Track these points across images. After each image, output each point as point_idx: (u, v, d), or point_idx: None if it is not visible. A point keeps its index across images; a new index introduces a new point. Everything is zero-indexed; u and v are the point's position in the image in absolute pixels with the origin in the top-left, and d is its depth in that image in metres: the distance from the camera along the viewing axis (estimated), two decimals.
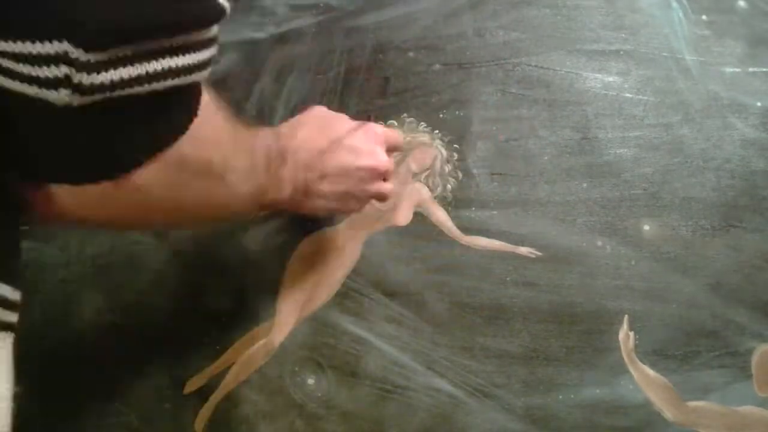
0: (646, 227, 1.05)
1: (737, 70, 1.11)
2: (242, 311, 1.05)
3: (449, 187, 1.09)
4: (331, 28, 1.17)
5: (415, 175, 1.10)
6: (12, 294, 0.56)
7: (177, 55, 0.43)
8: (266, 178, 0.67)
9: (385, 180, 0.85)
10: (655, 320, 1.01)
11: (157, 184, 0.48)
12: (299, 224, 1.07)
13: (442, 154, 1.10)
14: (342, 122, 0.80)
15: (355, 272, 1.06)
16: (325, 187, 0.75)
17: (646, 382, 0.99)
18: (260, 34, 1.16)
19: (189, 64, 0.44)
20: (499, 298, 1.03)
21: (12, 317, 0.57)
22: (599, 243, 1.04)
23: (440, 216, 1.07)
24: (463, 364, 1.01)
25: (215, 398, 1.02)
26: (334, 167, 0.75)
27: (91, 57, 0.39)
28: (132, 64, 0.40)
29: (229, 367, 1.03)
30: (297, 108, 1.12)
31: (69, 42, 0.38)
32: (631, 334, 1.01)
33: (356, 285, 1.05)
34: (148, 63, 0.41)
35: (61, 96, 0.39)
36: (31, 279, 1.06)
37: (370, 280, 1.05)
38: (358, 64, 1.15)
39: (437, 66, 1.14)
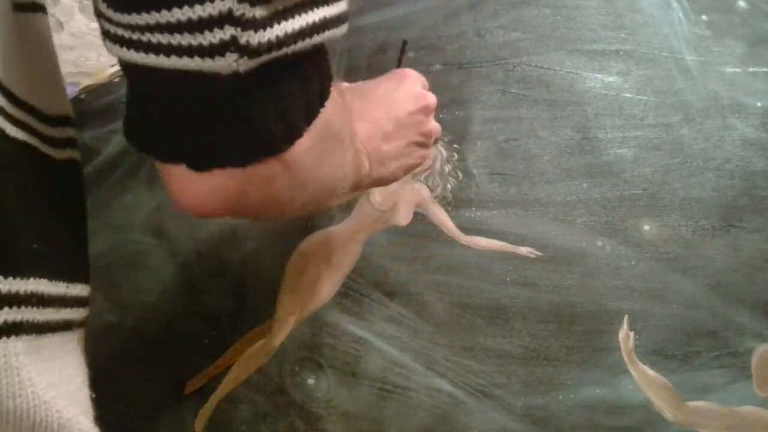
0: (646, 227, 1.05)
1: (737, 70, 1.11)
2: (242, 311, 1.05)
3: (449, 187, 1.09)
4: None
5: (415, 175, 1.10)
6: (82, 291, 0.57)
7: (328, 3, 0.40)
8: (357, 151, 0.64)
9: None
10: (655, 320, 1.01)
11: (311, 152, 0.45)
12: (299, 224, 1.07)
13: (442, 154, 1.10)
14: (371, 84, 0.78)
15: (355, 272, 1.06)
16: (390, 147, 0.72)
17: (646, 382, 0.99)
18: None
19: (338, 14, 0.41)
20: (499, 298, 1.03)
21: (84, 313, 0.57)
22: (599, 243, 1.05)
23: (440, 216, 1.07)
24: (463, 364, 1.01)
25: (215, 398, 1.02)
26: (391, 123, 0.72)
27: (257, 11, 0.35)
28: (294, 16, 0.37)
29: (229, 367, 1.03)
30: None
31: None
32: (631, 334, 1.01)
33: (356, 285, 1.05)
34: (307, 13, 0.38)
35: (228, 62, 0.35)
36: None
37: (370, 280, 1.05)
38: (358, 64, 1.15)
39: (437, 66, 1.14)
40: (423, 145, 0.78)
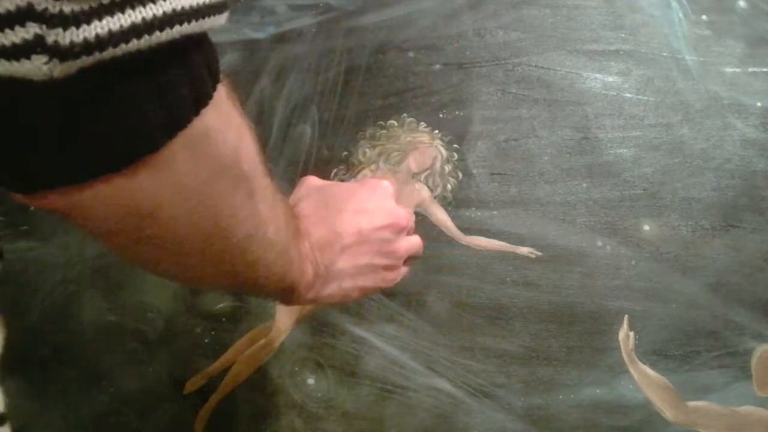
0: (646, 227, 1.05)
1: (737, 70, 1.11)
2: (242, 311, 1.05)
3: (449, 187, 1.09)
4: (331, 28, 1.17)
5: (415, 175, 1.10)
6: None
7: None
8: (290, 247, 0.56)
9: (409, 234, 0.72)
10: (655, 320, 1.01)
11: (179, 159, 0.38)
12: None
13: (442, 154, 1.10)
14: (340, 188, 0.71)
15: None
16: (347, 263, 0.64)
17: (646, 382, 0.99)
18: (260, 34, 1.16)
19: (197, 4, 0.34)
20: (499, 298, 1.03)
21: None
22: (599, 243, 1.05)
23: (440, 216, 1.07)
24: (464, 364, 1.01)
25: (215, 398, 1.02)
26: (352, 237, 0.64)
27: (65, 5, 0.29)
28: (122, 10, 0.31)
29: (229, 367, 1.03)
30: (296, 109, 1.12)
31: None
32: (631, 334, 1.01)
33: None
34: (143, 6, 0.31)
35: (36, 65, 0.29)
36: (31, 279, 1.06)
37: None
38: (358, 64, 1.15)
39: (437, 66, 1.14)
40: (389, 268, 0.68)
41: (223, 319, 1.05)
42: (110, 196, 0.37)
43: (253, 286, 0.54)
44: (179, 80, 0.36)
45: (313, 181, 0.69)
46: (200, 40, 0.37)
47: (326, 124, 1.11)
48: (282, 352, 1.03)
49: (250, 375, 1.03)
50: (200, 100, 0.38)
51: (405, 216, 0.69)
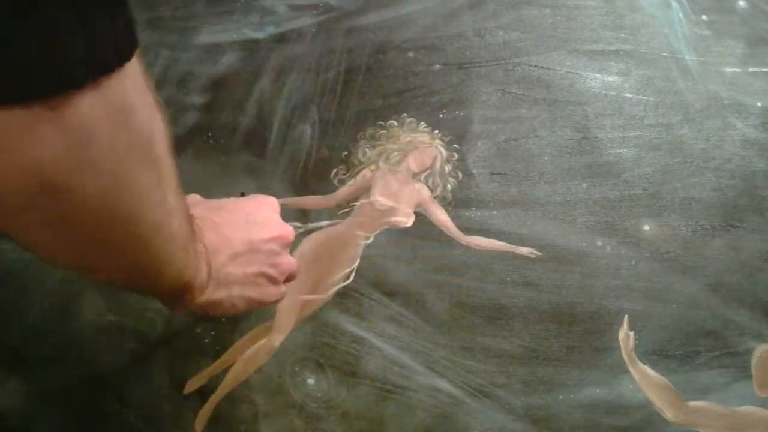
0: (646, 227, 1.05)
1: (737, 70, 1.11)
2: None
3: (449, 187, 1.09)
4: (331, 28, 1.17)
5: (415, 175, 1.10)
6: None
7: None
8: (189, 244, 0.56)
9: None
10: (655, 320, 1.01)
11: (98, 125, 0.37)
12: (299, 224, 1.07)
13: (442, 154, 1.10)
14: (230, 201, 0.71)
15: (356, 272, 1.06)
16: (237, 270, 0.65)
17: (646, 382, 1.00)
18: (260, 34, 1.16)
19: None
20: (499, 298, 1.03)
21: None
22: (599, 243, 1.05)
23: (440, 216, 1.07)
24: (464, 364, 1.01)
25: (215, 398, 1.02)
26: (243, 244, 0.65)
27: None
28: None
29: (229, 367, 1.03)
30: (296, 109, 1.12)
31: None
32: (631, 334, 1.01)
33: (356, 285, 1.05)
34: None
35: None
36: (31, 279, 1.06)
37: (370, 280, 1.05)
38: (358, 64, 1.15)
39: (437, 66, 1.14)
40: (273, 281, 0.70)
41: (223, 319, 1.05)
42: (24, 135, 0.35)
43: (149, 281, 0.53)
44: (103, 23, 0.36)
45: (196, 197, 0.70)
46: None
47: (326, 124, 1.11)
48: (282, 352, 1.03)
49: (250, 375, 1.03)
50: (122, 52, 0.38)
51: (291, 231, 0.71)
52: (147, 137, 0.43)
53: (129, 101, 0.39)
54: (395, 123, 1.12)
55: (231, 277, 0.64)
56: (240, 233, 0.65)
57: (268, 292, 0.69)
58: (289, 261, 0.70)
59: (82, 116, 0.36)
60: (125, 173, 0.41)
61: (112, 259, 0.47)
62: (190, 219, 0.55)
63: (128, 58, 0.38)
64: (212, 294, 0.62)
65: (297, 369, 1.03)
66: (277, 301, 0.71)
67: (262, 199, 0.71)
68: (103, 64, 0.36)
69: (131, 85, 0.39)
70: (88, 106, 0.36)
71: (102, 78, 0.36)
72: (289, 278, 0.73)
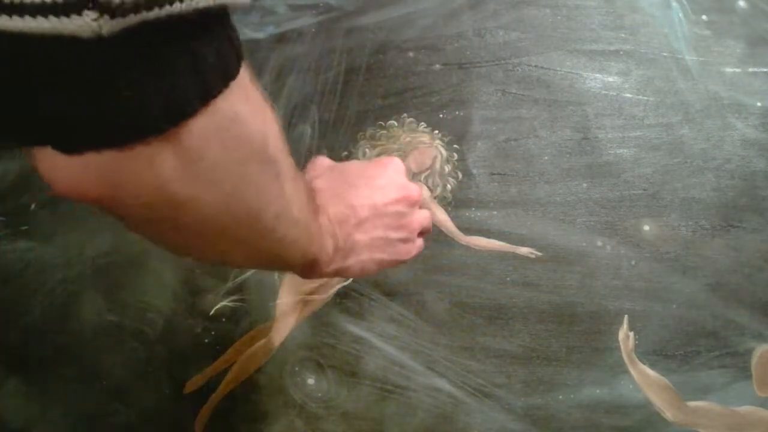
0: (646, 227, 1.05)
1: (737, 70, 1.11)
2: (242, 311, 1.05)
3: (449, 187, 1.09)
4: (331, 28, 1.17)
5: (415, 175, 1.10)
6: None
7: None
8: (311, 222, 0.58)
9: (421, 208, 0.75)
10: (655, 320, 1.01)
11: (210, 142, 0.39)
12: None
13: (442, 154, 1.10)
14: (351, 166, 0.73)
15: None
16: (364, 236, 0.66)
17: (646, 382, 1.00)
18: (260, 34, 1.16)
19: None
20: (499, 298, 1.03)
21: None
22: (599, 243, 1.05)
23: (440, 216, 1.07)
24: (463, 364, 1.01)
25: (215, 398, 1.02)
26: (367, 210, 0.66)
27: None
28: None
29: (229, 367, 1.03)
30: (296, 109, 1.12)
31: None
32: (631, 334, 1.01)
33: (356, 285, 1.05)
34: None
35: (86, 21, 0.30)
36: (31, 279, 1.06)
37: (370, 280, 1.05)
38: (358, 64, 1.15)
39: (437, 66, 1.14)
40: (405, 240, 0.70)
41: (223, 319, 1.05)
42: (147, 167, 0.38)
43: (276, 262, 0.57)
44: (208, 50, 0.38)
45: (324, 160, 0.71)
46: (223, 15, 0.39)
47: (326, 124, 1.11)
48: (282, 352, 1.03)
49: (250, 375, 1.03)
50: (227, 72, 0.40)
51: (416, 190, 0.71)
52: (260, 141, 0.45)
53: (238, 113, 0.41)
54: (395, 123, 1.12)
55: (358, 244, 0.65)
56: (363, 199, 0.66)
57: (400, 251, 0.70)
58: (417, 219, 0.71)
59: (195, 139, 0.38)
60: (242, 178, 0.44)
61: (239, 251, 0.51)
62: (311, 197, 0.58)
63: (234, 77, 0.40)
64: (341, 263, 0.64)
65: (297, 369, 1.03)
66: (415, 255, 0.71)
67: (385, 162, 0.72)
68: (211, 89, 0.38)
69: (238, 97, 0.41)
70: (200, 129, 0.38)
71: (211, 100, 0.38)
72: (424, 232, 0.73)
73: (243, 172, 0.44)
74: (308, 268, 0.61)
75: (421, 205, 0.74)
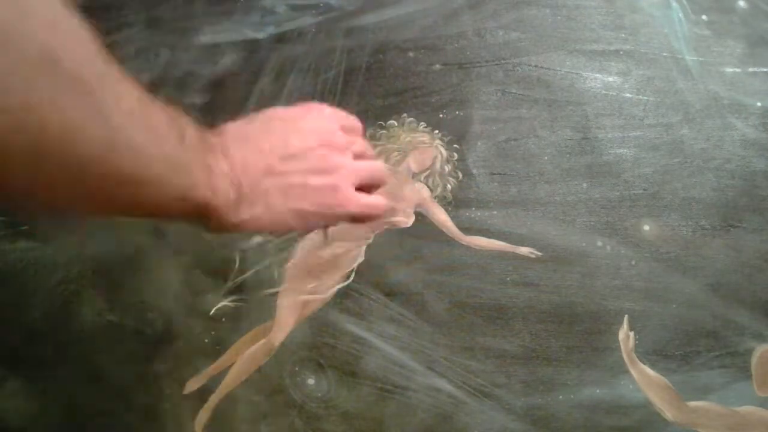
0: (646, 227, 1.05)
1: (737, 70, 1.11)
2: (242, 311, 1.05)
3: (449, 187, 1.09)
4: (331, 28, 1.17)
5: (415, 175, 1.10)
6: None
7: None
8: (192, 162, 0.52)
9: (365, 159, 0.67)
10: (655, 320, 1.01)
11: None
12: None
13: (442, 154, 1.10)
14: (275, 111, 0.65)
15: (355, 272, 1.06)
16: (276, 182, 0.60)
17: (646, 382, 0.99)
18: (260, 34, 1.16)
19: None
20: (499, 298, 1.03)
21: None
22: (599, 243, 1.04)
23: (440, 216, 1.07)
24: (463, 364, 1.01)
25: (215, 398, 1.02)
26: (278, 154, 0.60)
27: None
28: None
29: (229, 367, 1.03)
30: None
31: None
32: (631, 334, 1.01)
33: (356, 285, 1.05)
34: None
35: None
36: (31, 279, 1.06)
37: (370, 280, 1.05)
38: (358, 64, 1.15)
39: (437, 66, 1.14)
40: (333, 188, 0.62)
41: (223, 319, 1.05)
42: None
43: (145, 206, 0.50)
44: None
45: (273, 110, 0.64)
46: None
47: None
48: (282, 352, 1.03)
49: (250, 375, 1.03)
50: None
51: (343, 138, 0.64)
52: (37, 49, 0.39)
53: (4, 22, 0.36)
54: (395, 123, 1.12)
55: (269, 191, 0.59)
56: (275, 143, 0.60)
57: (327, 201, 0.62)
58: (350, 165, 0.63)
59: None
60: (27, 92, 0.39)
61: (80, 189, 0.44)
62: (192, 134, 0.52)
63: None
64: (249, 211, 0.58)
65: (297, 369, 1.03)
66: (360, 213, 0.63)
67: (310, 105, 0.65)
68: None
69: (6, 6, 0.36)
70: None
71: None
72: (374, 185, 0.65)
73: (27, 86, 0.38)
74: (204, 217, 0.55)
75: (366, 157, 0.67)
